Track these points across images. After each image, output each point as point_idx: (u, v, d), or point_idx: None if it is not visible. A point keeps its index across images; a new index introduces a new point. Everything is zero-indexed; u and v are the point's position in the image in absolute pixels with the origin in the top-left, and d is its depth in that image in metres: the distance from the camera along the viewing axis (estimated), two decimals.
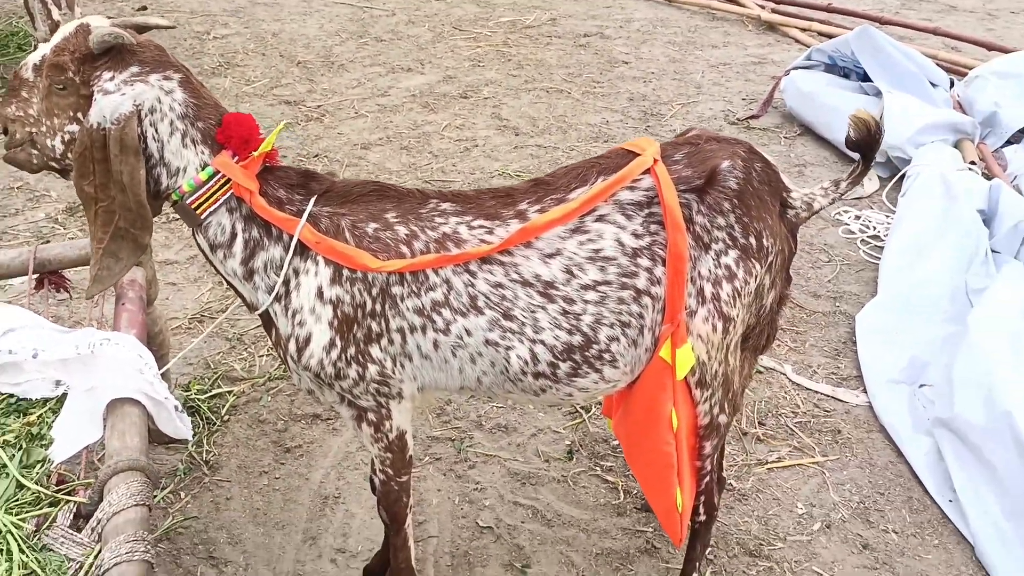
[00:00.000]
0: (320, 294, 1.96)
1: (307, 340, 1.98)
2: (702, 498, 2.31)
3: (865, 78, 5.40)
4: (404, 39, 6.94)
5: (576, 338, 1.99)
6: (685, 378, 2.06)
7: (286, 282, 1.98)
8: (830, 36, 6.87)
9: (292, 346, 2.00)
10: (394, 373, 2.03)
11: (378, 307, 1.97)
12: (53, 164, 2.01)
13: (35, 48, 6.02)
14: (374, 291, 1.96)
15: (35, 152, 1.99)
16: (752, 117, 5.68)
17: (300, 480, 2.89)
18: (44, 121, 1.94)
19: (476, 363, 2.03)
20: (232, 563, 2.59)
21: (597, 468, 2.96)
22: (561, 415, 3.20)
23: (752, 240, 2.03)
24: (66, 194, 4.43)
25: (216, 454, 2.97)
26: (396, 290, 1.97)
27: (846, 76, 5.61)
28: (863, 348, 3.49)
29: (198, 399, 3.15)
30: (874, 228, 4.36)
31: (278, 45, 6.68)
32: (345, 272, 1.95)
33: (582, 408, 3.20)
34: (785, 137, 5.45)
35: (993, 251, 3.77)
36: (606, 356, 2.03)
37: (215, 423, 3.09)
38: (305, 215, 1.96)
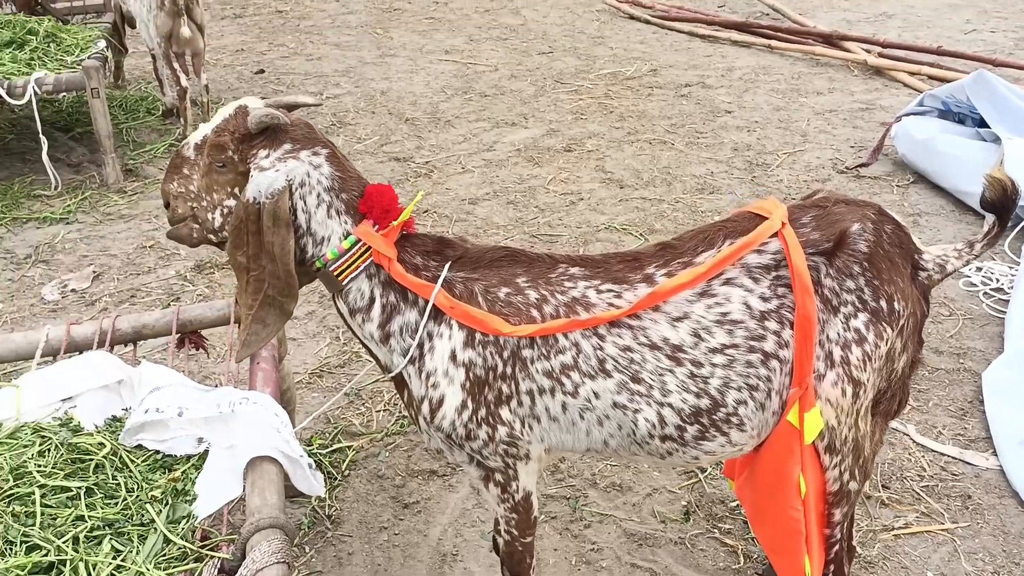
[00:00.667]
0: (454, 357, 2.03)
1: (440, 402, 2.05)
2: (831, 567, 2.27)
3: (982, 124, 5.25)
4: (507, 94, 7.10)
5: (704, 401, 2.00)
6: (814, 443, 2.04)
7: (420, 345, 2.06)
8: (940, 80, 6.73)
9: (425, 407, 2.07)
10: (523, 435, 2.07)
11: (509, 369, 2.02)
12: (211, 237, 2.15)
13: (163, 113, 6.41)
14: (505, 354, 2.02)
15: (196, 227, 2.14)
16: (862, 165, 5.59)
17: (419, 536, 2.94)
18: (204, 196, 2.09)
19: (603, 425, 2.06)
20: None
21: (715, 531, 2.92)
22: (676, 475, 3.17)
23: (883, 303, 2.01)
24: (194, 253, 4.67)
25: (338, 508, 3.06)
26: (526, 353, 2.02)
27: (961, 122, 5.47)
28: (991, 408, 3.36)
29: (320, 454, 3.26)
30: (997, 280, 4.21)
31: (387, 103, 6.93)
32: (478, 336, 2.01)
33: (698, 468, 3.17)
34: (898, 186, 5.33)
35: None
36: (733, 419, 2.03)
37: (336, 478, 3.18)
38: (440, 281, 2.04)
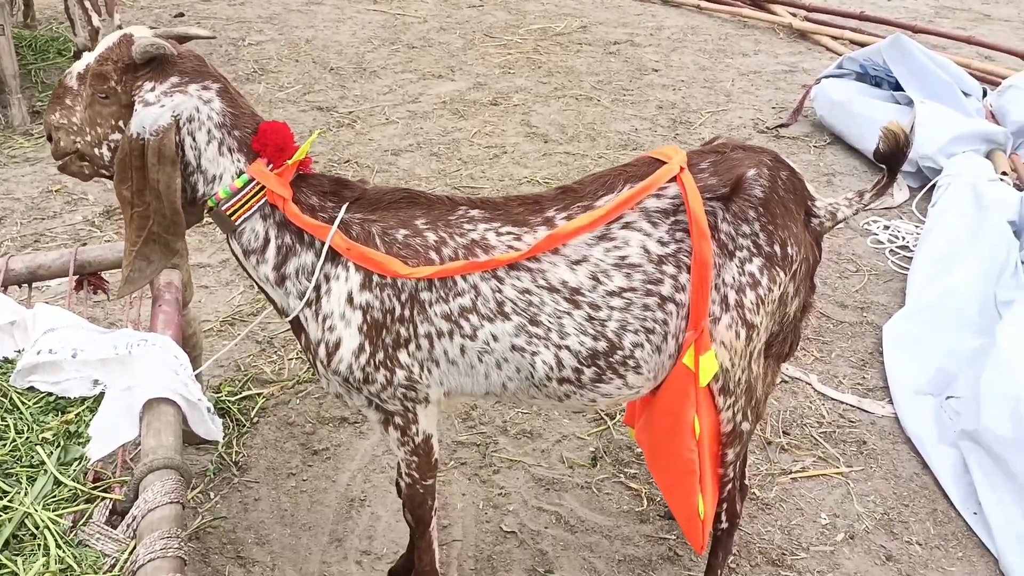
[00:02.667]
0: (350, 299, 2.01)
1: (337, 345, 2.03)
2: (724, 505, 2.33)
3: (897, 87, 5.38)
4: (435, 46, 7.01)
5: (601, 344, 2.02)
6: (708, 385, 2.08)
7: (317, 288, 2.03)
8: (862, 45, 6.84)
9: (322, 351, 2.05)
10: (421, 378, 2.07)
11: (407, 312, 2.01)
12: (104, 172, 2.08)
13: (75, 54, 6.17)
14: (403, 297, 2.00)
15: (85, 163, 2.07)
16: (782, 126, 5.68)
17: (327, 482, 2.94)
18: (87, 130, 2.01)
19: (502, 369, 2.07)
20: (259, 563, 2.64)
21: (621, 475, 2.98)
22: (585, 421, 3.22)
23: (777, 248, 2.05)
24: (103, 197, 4.53)
25: (245, 455, 3.03)
26: (425, 296, 2.01)
27: (878, 85, 5.59)
28: (890, 359, 3.48)
29: (228, 401, 3.22)
30: (903, 238, 4.34)
31: (311, 52, 6.77)
32: (375, 278, 1.99)
33: (606, 415, 3.22)
34: (815, 146, 5.44)
35: (1023, 263, 3.74)
36: (630, 362, 2.05)
37: (244, 425, 3.15)
38: (336, 222, 2.00)
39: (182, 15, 7.38)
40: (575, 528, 2.79)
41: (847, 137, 5.36)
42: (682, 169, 2.04)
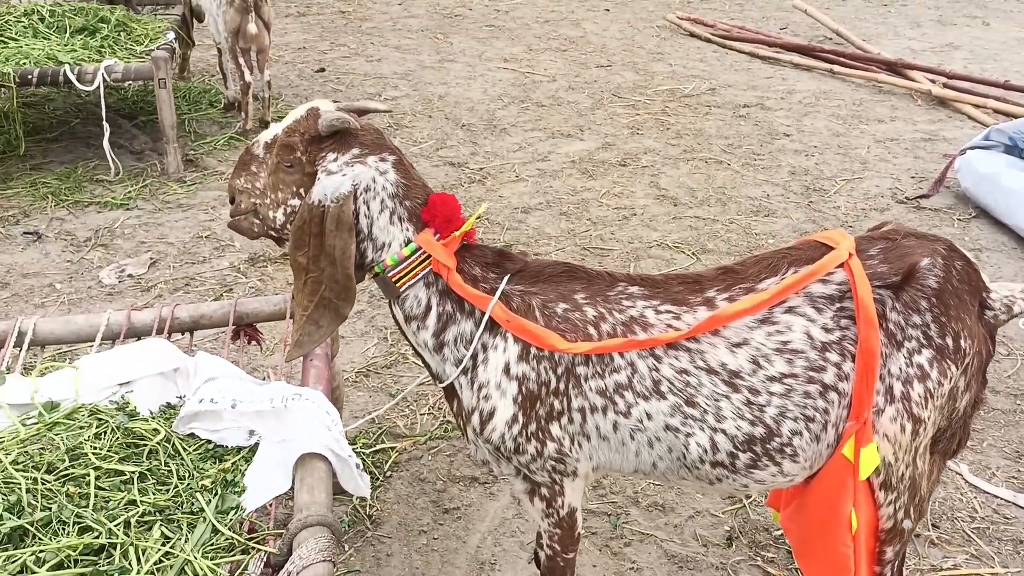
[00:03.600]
0: (507, 370, 2.02)
1: (491, 414, 2.04)
2: None
3: None
4: (564, 105, 7.10)
5: (758, 429, 1.97)
6: (868, 479, 2.00)
7: (474, 356, 2.05)
8: (1006, 114, 6.61)
9: (476, 418, 2.06)
10: (571, 452, 2.06)
11: (562, 386, 2.01)
12: (272, 234, 2.17)
13: (225, 107, 6.52)
14: (559, 370, 2.00)
15: (257, 222, 2.17)
16: (923, 196, 5.49)
17: (458, 542, 2.94)
18: (269, 195, 2.11)
19: (654, 447, 2.04)
20: None
21: (758, 559, 2.88)
22: (720, 499, 3.13)
23: (949, 340, 1.97)
24: (248, 245, 4.73)
25: (379, 509, 3.06)
26: (581, 370, 2.00)
27: None
28: None
29: (363, 454, 3.27)
30: None
31: (444, 108, 6.97)
32: (533, 350, 2.00)
33: (745, 495, 3.12)
34: (959, 219, 5.23)
35: None
36: (787, 450, 1.99)
37: (378, 478, 3.19)
38: (498, 293, 2.03)
39: (323, 70, 7.72)
40: None
41: (994, 211, 5.14)
42: (851, 255, 1.99)
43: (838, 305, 1.97)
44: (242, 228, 2.20)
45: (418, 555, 2.89)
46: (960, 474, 3.23)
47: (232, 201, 2.19)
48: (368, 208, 2.06)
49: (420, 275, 2.08)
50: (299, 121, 2.07)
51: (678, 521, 3.03)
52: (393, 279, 2.08)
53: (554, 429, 2.04)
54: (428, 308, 2.09)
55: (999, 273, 4.62)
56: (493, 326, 2.04)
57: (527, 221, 5.17)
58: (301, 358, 2.68)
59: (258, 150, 2.13)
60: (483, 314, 2.03)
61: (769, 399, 1.96)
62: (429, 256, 2.06)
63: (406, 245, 2.07)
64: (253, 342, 2.87)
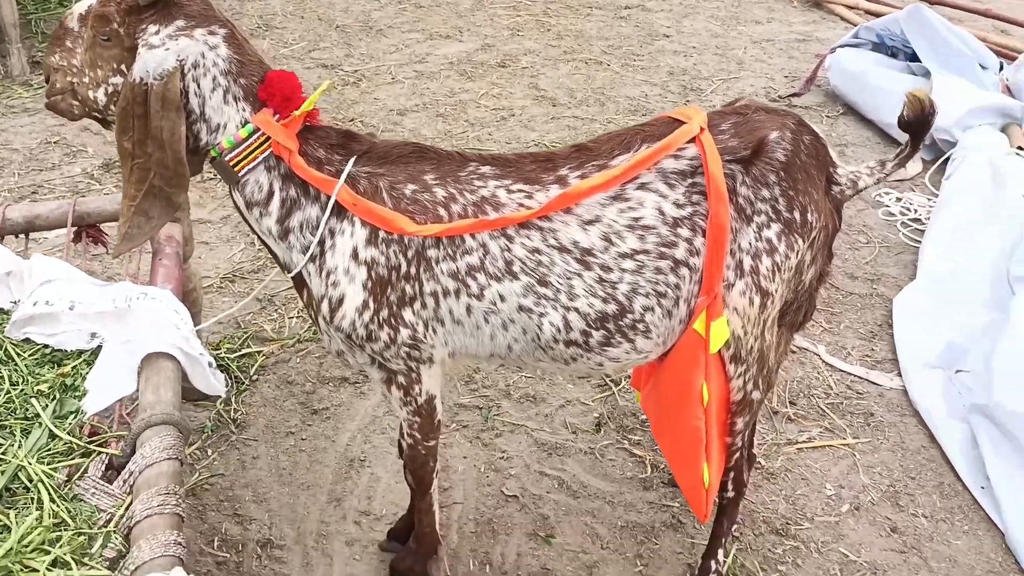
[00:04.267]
0: (355, 255, 1.95)
1: (340, 301, 1.98)
2: (731, 474, 2.30)
3: (914, 58, 5.27)
4: (443, 6, 6.88)
5: (611, 307, 1.97)
6: (719, 352, 2.04)
7: (321, 242, 1.98)
8: (877, 15, 6.71)
9: (325, 306, 2.00)
10: (426, 337, 2.02)
11: (413, 270, 1.96)
12: (95, 115, 2.02)
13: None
14: (410, 253, 1.95)
15: (76, 103, 2.00)
16: (794, 95, 5.58)
17: (326, 442, 2.90)
18: (87, 72, 1.94)
19: (508, 330, 2.02)
20: (256, 521, 2.61)
21: (625, 441, 2.95)
22: (590, 387, 3.18)
23: (796, 214, 1.99)
24: (103, 150, 4.46)
25: (244, 413, 2.99)
26: (431, 253, 1.95)
27: (894, 56, 5.48)
28: (900, 331, 3.43)
29: (228, 358, 3.17)
30: (915, 211, 4.27)
31: (317, 8, 6.65)
32: (381, 234, 1.94)
33: (611, 380, 3.18)
34: (828, 116, 5.35)
35: None
36: (640, 326, 2.00)
37: (244, 383, 3.11)
38: (343, 176, 1.94)
39: None
40: (577, 493, 2.75)
41: (861, 108, 5.26)
42: (702, 130, 1.97)
43: (690, 180, 1.96)
44: (60, 109, 2.02)
45: (285, 456, 2.84)
46: (817, 354, 3.37)
47: (47, 80, 2.01)
48: (198, 86, 1.91)
49: (260, 158, 1.95)
50: None
51: (548, 411, 3.07)
52: (231, 163, 1.96)
53: (407, 315, 1.99)
54: (270, 193, 1.99)
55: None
56: (340, 210, 1.96)
57: (403, 123, 5.03)
58: (151, 259, 2.56)
59: (72, 23, 1.94)
60: (329, 198, 1.95)
61: (621, 276, 1.95)
62: (269, 138, 1.95)
63: (243, 126, 1.94)
64: (98, 244, 2.70)
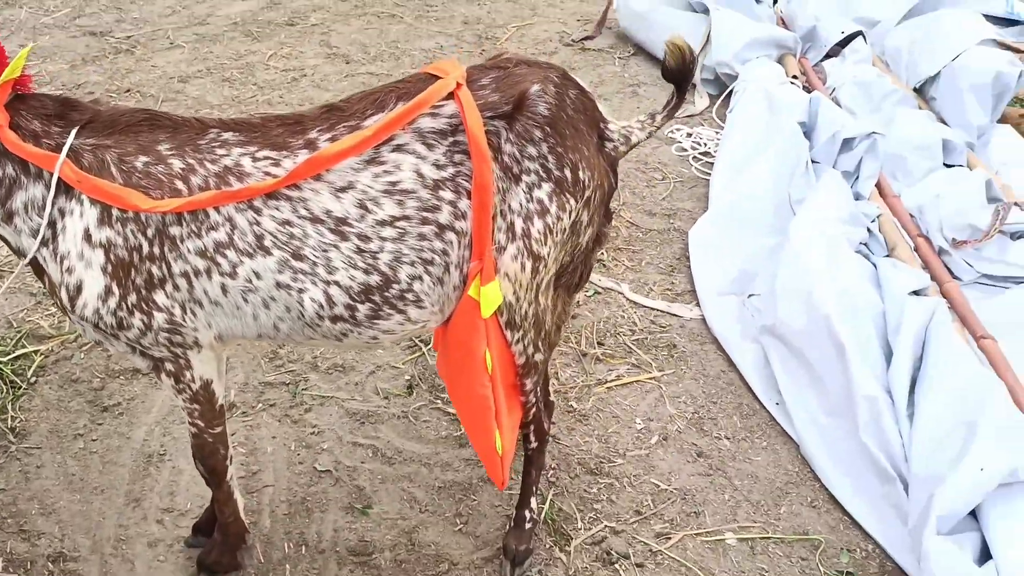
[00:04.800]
0: (88, 237, 1.78)
1: (79, 288, 1.81)
2: (532, 427, 2.28)
3: None
4: None
5: (374, 278, 1.86)
6: (496, 318, 1.95)
7: (51, 224, 1.79)
8: None
9: (63, 295, 1.83)
10: (185, 321, 1.87)
11: (156, 250, 1.80)
12: None
13: None
14: (149, 232, 1.79)
15: None
16: (587, 38, 5.65)
17: (121, 440, 2.70)
18: None
19: (270, 308, 1.88)
20: (46, 535, 2.41)
21: (438, 401, 2.91)
22: (399, 350, 3.12)
23: (568, 172, 1.91)
24: None
25: (23, 420, 2.74)
26: (174, 231, 1.79)
27: None
28: (695, 263, 3.56)
29: None
30: (705, 145, 4.43)
31: None
32: (115, 212, 1.77)
33: (420, 340, 3.13)
34: (619, 58, 5.44)
35: (813, 162, 3.90)
36: (409, 296, 1.90)
37: (20, 387, 2.84)
38: (65, 150, 1.76)
39: None
40: (392, 460, 2.70)
41: (650, 47, 5.39)
42: (459, 85, 1.84)
43: (451, 139, 1.84)
44: None
45: (74, 460, 2.63)
46: (622, 293, 3.44)
47: None
48: None
49: None
50: None
51: (359, 379, 2.99)
52: None
53: (159, 298, 1.84)
54: None
55: (655, 105, 4.86)
56: (67, 189, 1.77)
57: (185, 91, 4.72)
58: None
59: None
60: (52, 175, 1.76)
61: (382, 245, 1.84)
62: None
63: None
64: None
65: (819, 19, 5.05)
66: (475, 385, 1.99)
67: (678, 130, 4.56)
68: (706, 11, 5.20)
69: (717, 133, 4.50)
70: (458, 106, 1.83)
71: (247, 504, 2.45)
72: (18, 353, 2.96)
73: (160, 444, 2.70)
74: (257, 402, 2.87)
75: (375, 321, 1.91)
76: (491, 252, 1.87)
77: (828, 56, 5.00)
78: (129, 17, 5.51)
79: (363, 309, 1.89)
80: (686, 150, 4.41)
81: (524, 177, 1.89)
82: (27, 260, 1.83)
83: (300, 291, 1.84)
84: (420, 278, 1.88)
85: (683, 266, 3.63)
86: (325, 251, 1.82)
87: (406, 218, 1.84)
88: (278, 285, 1.84)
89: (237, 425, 2.78)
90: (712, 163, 4.22)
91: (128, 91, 4.66)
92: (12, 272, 3.31)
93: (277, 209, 1.80)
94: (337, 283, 1.85)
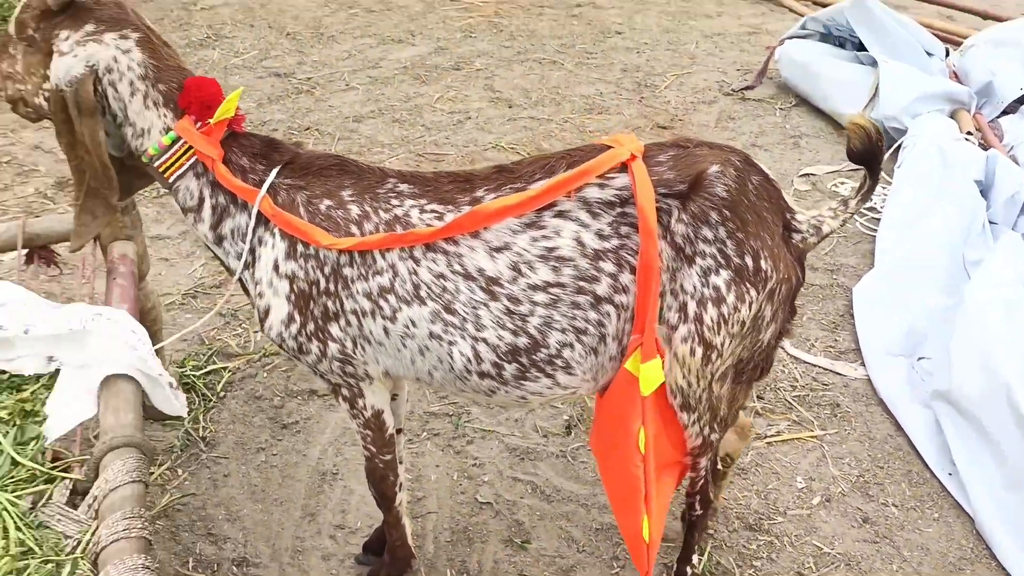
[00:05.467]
0: (276, 267, 1.94)
1: (267, 311, 1.98)
2: (698, 496, 2.26)
3: (861, 48, 5.35)
4: (394, 9, 6.85)
5: (522, 340, 1.88)
6: (657, 397, 1.91)
7: (252, 250, 1.97)
8: (824, 5, 6.81)
9: (256, 315, 2.01)
10: (356, 354, 1.99)
11: (331, 286, 1.93)
12: (49, 119, 2.02)
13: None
14: (326, 269, 1.92)
15: (29, 110, 2.03)
16: (747, 88, 5.64)
17: (298, 456, 2.86)
18: (27, 79, 1.96)
19: (425, 356, 1.95)
20: (231, 539, 2.57)
21: None
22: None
23: (748, 260, 1.84)
24: (55, 168, 4.36)
25: (213, 431, 2.94)
26: (347, 271, 1.92)
27: (841, 46, 5.57)
28: (861, 321, 3.48)
29: (193, 375, 3.12)
30: (871, 200, 4.32)
31: (267, 16, 6.58)
32: (300, 247, 1.92)
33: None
34: (780, 108, 5.41)
35: (990, 222, 3.75)
36: (558, 361, 1.91)
37: (211, 400, 3.06)
38: (265, 186, 1.93)
39: None
40: (551, 497, 2.75)
41: (812, 99, 5.34)
42: (633, 157, 1.83)
43: (618, 211, 1.83)
44: (21, 114, 2.07)
45: (256, 472, 2.80)
46: (782, 347, 3.39)
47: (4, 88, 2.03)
48: (116, 90, 1.92)
49: (187, 165, 1.96)
50: None
51: (519, 416, 3.06)
52: (160, 169, 1.96)
53: (334, 330, 1.96)
54: (201, 200, 1.99)
55: (817, 157, 4.83)
56: (265, 221, 1.95)
57: (359, 130, 4.99)
58: (105, 279, 2.50)
59: (12, 29, 1.93)
60: (253, 206, 1.94)
61: (532, 309, 1.85)
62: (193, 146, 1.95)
63: (165, 133, 1.94)
64: (50, 266, 2.64)
65: (995, 74, 4.88)
66: (627, 463, 1.93)
67: (842, 184, 4.48)
68: (873, 63, 5.11)
69: (884, 188, 4.39)
70: (630, 178, 1.82)
71: (413, 529, 2.54)
72: (209, 369, 3.18)
73: (333, 464, 2.84)
74: (422, 431, 2.99)
75: (522, 382, 1.94)
76: (653, 330, 1.84)
77: (1005, 112, 4.82)
78: (309, 60, 5.88)
79: (510, 369, 1.91)
80: None
81: (699, 260, 1.84)
82: (235, 279, 2.02)
83: (450, 343, 1.90)
84: (571, 345, 1.89)
85: (847, 323, 3.55)
86: (475, 308, 1.87)
87: (560, 285, 1.84)
88: (431, 335, 1.91)
89: (402, 451, 2.89)
90: (878, 219, 4.12)
91: (307, 129, 4.96)
92: (205, 293, 3.58)
93: (434, 262, 1.87)
94: (485, 340, 1.89)
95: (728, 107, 5.42)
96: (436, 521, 2.66)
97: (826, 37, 5.60)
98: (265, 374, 3.19)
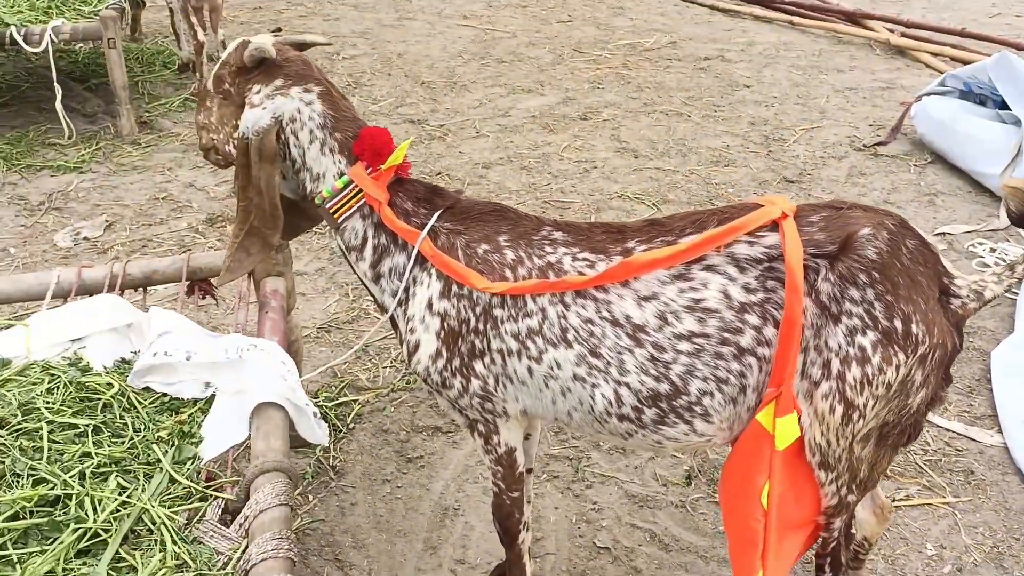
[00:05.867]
0: (430, 305, 2.06)
1: (416, 347, 2.09)
2: (828, 559, 2.22)
3: (1003, 106, 5.19)
4: (525, 61, 7.06)
5: (663, 386, 1.92)
6: (802, 456, 1.91)
7: (407, 289, 2.10)
8: (963, 62, 6.65)
9: (405, 350, 2.12)
10: (496, 392, 2.08)
11: (480, 326, 2.03)
12: None
13: (179, 67, 6.40)
14: (478, 309, 2.02)
15: (219, 157, 2.26)
16: (880, 143, 5.54)
17: (421, 490, 2.96)
18: (220, 129, 2.18)
19: (566, 398, 2.02)
20: (356, 567, 2.68)
21: (716, 495, 2.93)
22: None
23: (898, 324, 1.81)
24: (206, 205, 4.68)
25: (342, 460, 3.08)
26: (497, 312, 2.01)
27: (982, 103, 5.40)
28: (998, 387, 3.35)
29: (326, 407, 3.28)
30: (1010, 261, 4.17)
31: (403, 65, 6.89)
32: (454, 287, 2.03)
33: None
34: (915, 165, 5.28)
35: None
36: (697, 409, 1.93)
37: (341, 430, 3.20)
38: (426, 229, 2.06)
39: (280, 30, 7.58)
40: (670, 547, 2.75)
41: (950, 156, 5.19)
42: (784, 215, 1.87)
43: (765, 266, 1.86)
44: (212, 161, 2.30)
45: (382, 503, 2.91)
46: None
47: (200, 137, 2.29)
48: (297, 138, 2.12)
49: (355, 207, 2.13)
50: (230, 53, 2.14)
51: (638, 463, 3.08)
52: (331, 211, 2.14)
53: (478, 367, 2.06)
54: (365, 240, 2.15)
55: (954, 216, 4.69)
56: (423, 261, 2.08)
57: (488, 176, 5.15)
58: (257, 312, 2.68)
59: (210, 85, 2.17)
60: (413, 247, 2.07)
61: (676, 356, 1.90)
62: (362, 189, 2.11)
63: (339, 177, 2.12)
64: (208, 297, 2.84)
65: None
66: (748, 517, 1.93)
67: (980, 244, 4.34)
68: (1016, 122, 4.94)
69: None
70: (780, 236, 1.85)
71: (533, 570, 2.59)
72: (340, 400, 3.34)
73: (455, 499, 2.93)
74: (542, 472, 3.04)
75: (660, 427, 1.97)
76: (790, 385, 1.85)
77: None
78: (442, 108, 6.12)
79: (649, 413, 1.96)
80: (988, 265, 4.18)
81: (844, 319, 1.83)
82: (387, 315, 2.15)
83: (593, 386, 1.97)
84: (711, 394, 1.92)
85: (983, 388, 3.42)
86: (620, 353, 1.92)
87: (705, 336, 1.88)
88: (574, 377, 1.98)
89: (530, 491, 2.95)
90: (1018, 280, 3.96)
91: (438, 174, 5.16)
92: (338, 328, 3.76)
93: (583, 307, 1.95)
94: (627, 384, 1.94)
95: (859, 163, 5.33)
96: (554, 563, 2.70)
97: (966, 95, 5.45)
98: (392, 408, 3.32)
